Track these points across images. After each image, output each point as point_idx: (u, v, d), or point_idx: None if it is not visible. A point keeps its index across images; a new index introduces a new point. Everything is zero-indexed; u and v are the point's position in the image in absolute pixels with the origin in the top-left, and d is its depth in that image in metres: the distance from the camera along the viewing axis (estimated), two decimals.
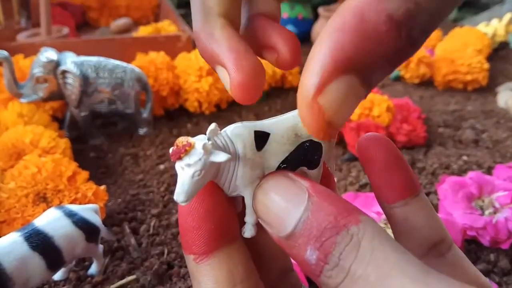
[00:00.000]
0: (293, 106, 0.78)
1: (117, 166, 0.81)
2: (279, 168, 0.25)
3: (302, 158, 0.26)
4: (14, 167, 0.65)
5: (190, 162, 0.23)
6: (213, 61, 0.24)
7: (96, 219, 0.53)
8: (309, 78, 0.18)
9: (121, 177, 0.77)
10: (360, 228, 0.19)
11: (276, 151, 0.25)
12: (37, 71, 0.78)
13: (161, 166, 0.80)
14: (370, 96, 0.99)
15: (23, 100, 0.80)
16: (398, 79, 1.32)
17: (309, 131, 0.20)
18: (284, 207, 0.20)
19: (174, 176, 0.78)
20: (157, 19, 1.58)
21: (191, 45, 1.13)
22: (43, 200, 0.60)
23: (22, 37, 1.18)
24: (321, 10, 1.54)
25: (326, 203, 0.20)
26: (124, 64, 0.85)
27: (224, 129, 0.25)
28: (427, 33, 0.19)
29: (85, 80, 0.80)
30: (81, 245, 0.51)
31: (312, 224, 0.19)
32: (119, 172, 0.79)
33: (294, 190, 0.21)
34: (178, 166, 0.23)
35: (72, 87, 0.80)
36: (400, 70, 1.30)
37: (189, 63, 0.98)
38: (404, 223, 0.26)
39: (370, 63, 0.18)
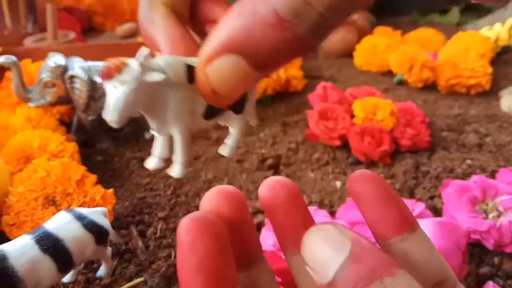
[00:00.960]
0: (298, 110, 0.79)
1: (123, 169, 0.82)
2: (208, 107, 0.27)
3: None
4: (23, 170, 0.66)
5: (126, 79, 0.22)
6: (152, 47, 0.26)
7: (105, 222, 0.54)
8: (205, 49, 0.22)
9: (128, 181, 0.78)
10: (394, 280, 0.20)
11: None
12: (45, 76, 0.79)
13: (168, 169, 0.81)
14: (374, 100, 1.00)
15: (31, 104, 0.81)
16: (402, 83, 1.33)
17: (200, 93, 0.23)
18: (328, 255, 0.21)
19: (180, 180, 0.79)
20: None
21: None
22: (52, 203, 0.61)
23: (29, 42, 1.19)
24: None
25: (365, 254, 0.21)
26: None
27: (155, 58, 0.25)
28: (317, 33, 0.20)
29: (92, 85, 0.81)
30: (91, 248, 0.52)
31: (351, 273, 0.20)
32: (126, 176, 0.80)
33: (339, 240, 0.22)
34: (110, 85, 0.23)
35: (80, 92, 0.81)
36: (403, 74, 1.31)
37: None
38: (403, 261, 0.26)
39: (258, 50, 0.20)
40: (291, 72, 1.15)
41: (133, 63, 0.23)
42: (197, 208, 0.72)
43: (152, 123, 0.26)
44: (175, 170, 0.27)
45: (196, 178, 0.80)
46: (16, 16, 1.25)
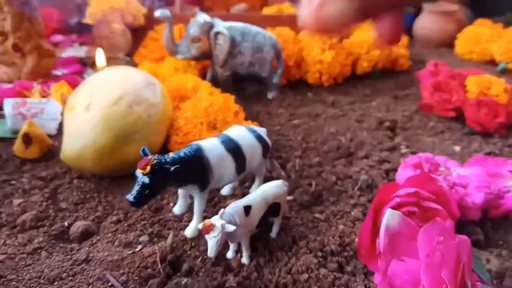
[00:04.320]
0: (405, 86, 0.85)
1: (253, 119, 0.90)
2: (258, 223, 0.51)
3: (271, 213, 0.54)
4: (178, 107, 0.76)
5: (215, 235, 0.46)
6: None
7: (267, 139, 0.61)
8: None
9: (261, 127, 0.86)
10: None
11: (257, 214, 0.51)
12: (194, 31, 0.90)
13: (295, 121, 0.89)
14: (488, 77, 1.02)
15: (178, 57, 0.92)
16: (505, 71, 1.32)
17: (306, 24, 0.29)
18: None
19: (308, 130, 0.86)
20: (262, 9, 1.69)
21: None
22: (213, 128, 0.70)
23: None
24: (425, 4, 1.57)
25: None
26: (264, 31, 0.95)
27: (227, 208, 0.49)
28: None
29: (232, 42, 0.90)
30: (258, 158, 0.59)
31: None
32: (258, 124, 0.88)
33: None
34: (208, 237, 0.46)
35: (222, 47, 0.90)
36: (507, 63, 1.30)
37: (312, 38, 1.06)
38: None
39: None
40: (399, 51, 1.19)
41: (218, 224, 0.46)
42: (325, 152, 0.78)
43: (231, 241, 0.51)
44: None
45: (321, 131, 0.86)
46: None
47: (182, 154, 0.51)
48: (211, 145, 0.54)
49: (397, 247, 0.45)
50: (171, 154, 0.50)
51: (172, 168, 0.47)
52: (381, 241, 0.45)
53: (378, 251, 0.49)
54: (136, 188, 0.47)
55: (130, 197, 0.47)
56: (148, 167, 0.47)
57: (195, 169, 0.52)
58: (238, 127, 0.60)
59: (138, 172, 0.47)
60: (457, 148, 0.84)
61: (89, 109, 0.62)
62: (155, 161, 0.47)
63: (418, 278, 0.41)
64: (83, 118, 0.62)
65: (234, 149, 0.56)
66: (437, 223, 0.46)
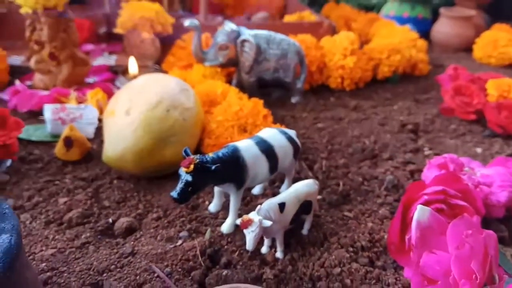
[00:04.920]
0: (425, 91, 0.89)
1: (280, 123, 0.93)
2: (292, 220, 0.55)
3: (303, 210, 0.56)
4: (208, 111, 0.80)
5: (253, 229, 0.49)
6: None
7: (298, 141, 0.64)
8: None
9: None
10: None
11: (290, 211, 0.54)
12: (221, 39, 0.94)
13: (319, 125, 0.92)
14: (508, 81, 1.03)
15: (206, 64, 0.96)
16: None
17: None
18: None
19: (332, 133, 0.89)
20: (282, 17, 1.73)
21: (331, 31, 1.25)
22: (244, 131, 0.73)
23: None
24: (442, 10, 1.59)
25: None
26: (288, 38, 0.98)
27: (263, 205, 0.52)
28: None
29: (258, 49, 0.94)
30: (289, 159, 0.63)
31: None
32: (285, 127, 0.91)
33: None
34: (246, 231, 0.49)
35: (248, 54, 0.94)
36: None
37: (334, 44, 1.09)
38: None
39: None
40: (419, 55, 1.21)
41: (256, 219, 0.49)
42: (350, 154, 0.81)
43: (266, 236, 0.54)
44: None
45: (345, 134, 0.89)
46: (171, 2, 1.46)
47: (220, 154, 0.55)
48: (246, 146, 0.58)
49: (427, 240, 0.48)
50: (210, 155, 0.54)
51: (213, 167, 0.51)
52: (413, 235, 0.47)
53: (409, 245, 0.51)
54: (180, 185, 0.50)
55: (174, 194, 0.50)
56: (192, 166, 0.50)
57: (233, 168, 0.55)
58: (270, 129, 0.63)
59: (182, 171, 0.51)
60: (479, 150, 0.86)
61: (129, 114, 0.66)
62: (198, 160, 0.51)
63: (448, 269, 0.44)
64: (124, 122, 0.66)
65: (267, 149, 0.59)
66: (464, 219, 0.48)
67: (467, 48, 1.56)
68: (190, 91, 0.74)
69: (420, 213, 0.48)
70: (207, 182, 0.53)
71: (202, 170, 0.51)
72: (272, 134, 0.62)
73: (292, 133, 0.65)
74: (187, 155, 0.52)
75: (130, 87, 0.72)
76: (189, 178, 0.50)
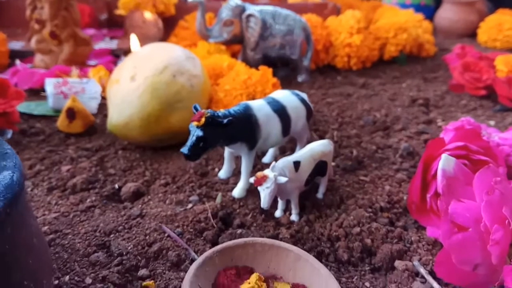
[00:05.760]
0: (432, 70, 0.86)
1: None
2: (307, 180, 0.52)
3: (318, 171, 0.54)
4: (215, 83, 0.77)
5: (268, 185, 0.47)
6: None
7: (310, 103, 0.62)
8: None
9: None
10: None
11: (305, 170, 0.52)
12: (226, 15, 0.92)
13: (328, 99, 0.89)
14: None
15: (211, 40, 0.93)
16: None
17: None
18: None
19: (342, 107, 0.86)
20: None
21: (336, 12, 1.23)
22: (253, 100, 0.71)
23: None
24: None
25: None
26: (294, 14, 0.96)
27: (278, 162, 0.50)
28: None
29: (263, 24, 0.92)
30: (302, 121, 0.60)
31: None
32: None
33: None
34: (261, 188, 0.47)
35: (253, 30, 0.92)
36: None
37: (340, 23, 1.07)
38: None
39: None
40: (425, 36, 1.19)
41: (270, 176, 0.47)
42: (361, 126, 0.79)
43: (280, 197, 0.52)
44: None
45: (354, 108, 0.87)
46: None
47: (232, 111, 0.52)
48: (259, 105, 0.55)
49: (453, 190, 0.45)
50: (222, 110, 0.51)
51: (225, 121, 0.48)
52: (439, 183, 0.45)
53: (430, 204, 0.49)
54: (190, 140, 0.48)
55: (184, 149, 0.48)
56: (203, 119, 0.48)
57: (245, 126, 0.53)
58: (282, 91, 0.61)
59: (192, 126, 0.48)
60: (491, 123, 0.84)
61: (134, 79, 0.64)
62: (209, 114, 0.48)
63: (479, 216, 0.41)
64: (129, 88, 0.64)
65: (280, 109, 0.57)
66: (491, 168, 0.46)
67: (471, 34, 1.54)
68: (196, 60, 0.72)
69: (445, 162, 0.46)
70: (219, 139, 0.51)
71: (213, 124, 0.48)
72: (285, 95, 0.60)
73: (304, 95, 0.62)
74: (197, 110, 0.50)
75: (134, 56, 0.69)
76: (200, 132, 0.48)
